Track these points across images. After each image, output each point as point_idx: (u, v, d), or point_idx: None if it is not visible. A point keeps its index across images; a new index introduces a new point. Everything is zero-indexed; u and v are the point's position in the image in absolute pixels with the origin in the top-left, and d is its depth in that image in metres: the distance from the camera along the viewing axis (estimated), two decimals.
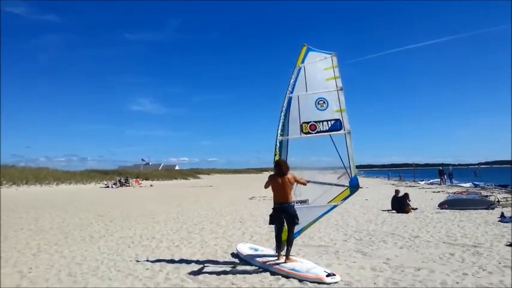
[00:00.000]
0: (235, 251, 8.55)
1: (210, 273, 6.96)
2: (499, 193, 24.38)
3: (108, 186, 45.75)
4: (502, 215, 13.22)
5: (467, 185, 36.94)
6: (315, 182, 7.62)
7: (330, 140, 7.46)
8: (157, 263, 7.82)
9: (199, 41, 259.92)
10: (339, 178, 7.48)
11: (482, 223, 12.28)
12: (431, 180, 46.72)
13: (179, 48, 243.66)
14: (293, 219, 7.14)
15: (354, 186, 7.46)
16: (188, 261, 7.96)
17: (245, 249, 8.39)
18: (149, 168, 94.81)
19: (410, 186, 38.53)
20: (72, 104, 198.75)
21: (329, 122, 7.46)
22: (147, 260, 8.13)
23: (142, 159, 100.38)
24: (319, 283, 6.16)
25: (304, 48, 7.74)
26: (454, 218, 13.56)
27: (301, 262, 7.09)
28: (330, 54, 7.61)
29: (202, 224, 13.63)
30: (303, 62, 7.71)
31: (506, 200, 18.77)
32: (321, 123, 7.50)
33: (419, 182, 46.77)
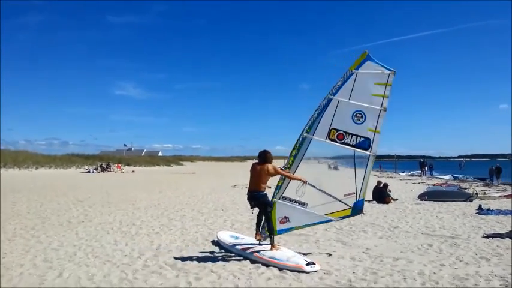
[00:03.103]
0: (216, 239, 8.51)
1: (190, 260, 6.91)
2: (477, 186, 24.91)
3: (89, 171, 45.10)
4: (480, 208, 13.46)
5: (447, 177, 37.72)
6: (320, 190, 7.35)
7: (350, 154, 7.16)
8: (136, 250, 7.73)
9: (185, 26, 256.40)
10: (345, 196, 7.23)
11: (461, 215, 12.49)
12: (412, 172, 47.47)
13: (164, 32, 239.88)
14: (264, 207, 7.15)
15: (357, 209, 7.24)
16: (168, 248, 7.89)
17: (226, 237, 8.35)
18: (132, 154, 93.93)
19: (391, 177, 39.09)
20: (54, 85, 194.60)
21: (359, 138, 7.09)
22: (126, 246, 8.03)
23: (125, 145, 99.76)
24: (298, 272, 6.17)
25: (364, 55, 7.12)
26: (433, 210, 13.77)
27: (281, 250, 7.08)
28: (389, 70, 6.99)
29: (184, 211, 13.54)
30: (357, 68, 7.12)
31: (484, 193, 19.15)
32: (350, 135, 7.13)
33: (401, 173, 47.44)
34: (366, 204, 15.40)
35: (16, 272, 6.27)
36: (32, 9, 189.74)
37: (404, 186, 25.67)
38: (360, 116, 7.10)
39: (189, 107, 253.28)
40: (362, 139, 7.08)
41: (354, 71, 7.12)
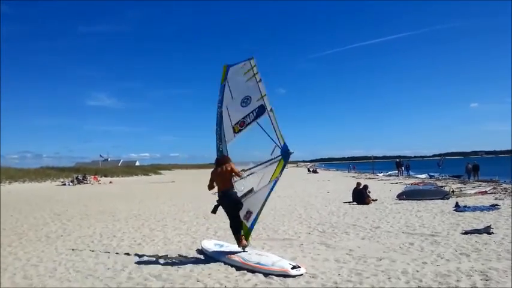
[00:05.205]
0: (200, 247, 8.44)
1: (175, 270, 6.82)
2: (453, 183, 25.46)
3: (64, 184, 44.06)
4: (457, 205, 13.77)
5: (423, 176, 38.44)
6: (253, 169, 7.79)
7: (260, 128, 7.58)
8: (119, 262, 7.58)
9: (158, 33, 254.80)
10: (272, 153, 7.54)
11: (439, 213, 12.76)
12: (389, 172, 48.18)
13: (136, 41, 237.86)
14: (236, 204, 7.44)
15: (285, 153, 7.36)
16: (151, 260, 7.77)
17: (210, 245, 8.29)
18: (108, 164, 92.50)
19: (369, 178, 39.57)
20: (26, 97, 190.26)
21: (254, 112, 7.62)
22: (108, 259, 7.87)
23: (101, 156, 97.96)
24: (284, 276, 6.18)
25: (225, 68, 8.20)
26: (412, 209, 14.02)
27: (266, 256, 7.09)
28: (249, 59, 7.78)
29: (165, 220, 13.39)
30: (226, 79, 8.16)
31: (460, 190, 19.63)
32: (247, 116, 7.71)
33: (378, 174, 48.12)
34: (346, 205, 15.73)
35: None
36: (1, 19, 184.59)
37: (383, 187, 26.04)
38: (245, 99, 7.76)
39: (166, 115, 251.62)
40: (257, 110, 7.60)
41: (224, 82, 8.18)
